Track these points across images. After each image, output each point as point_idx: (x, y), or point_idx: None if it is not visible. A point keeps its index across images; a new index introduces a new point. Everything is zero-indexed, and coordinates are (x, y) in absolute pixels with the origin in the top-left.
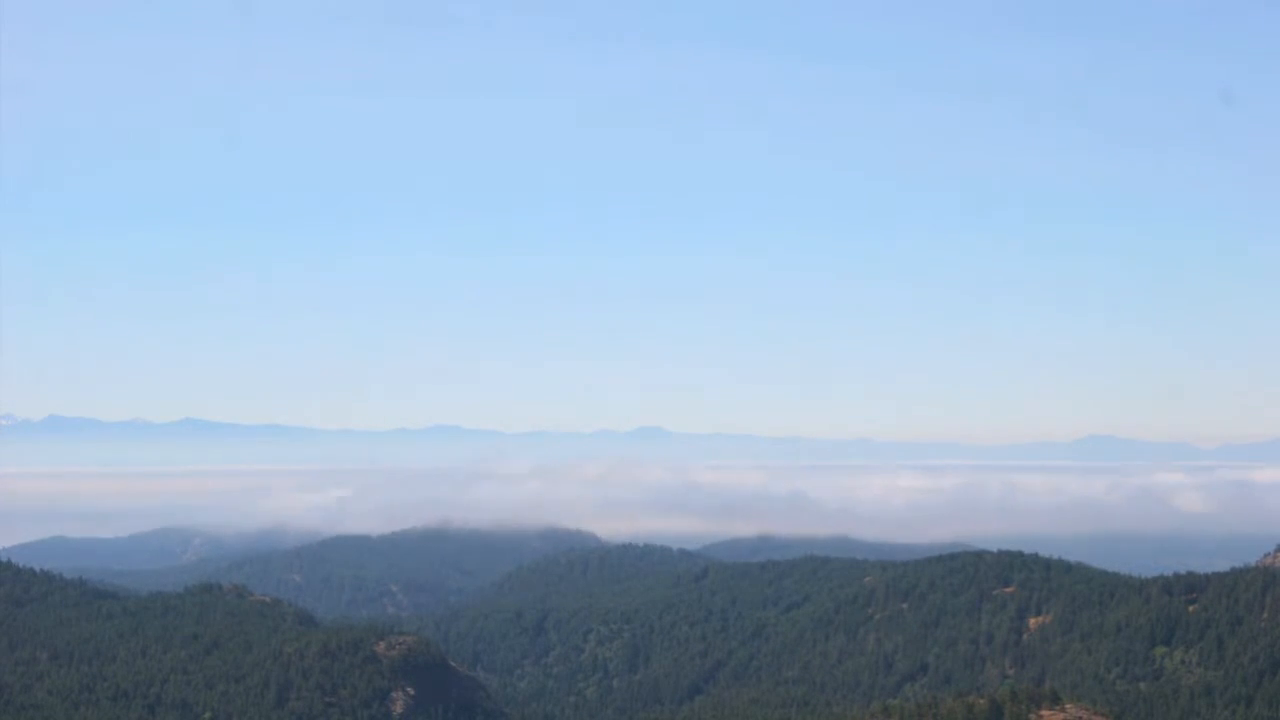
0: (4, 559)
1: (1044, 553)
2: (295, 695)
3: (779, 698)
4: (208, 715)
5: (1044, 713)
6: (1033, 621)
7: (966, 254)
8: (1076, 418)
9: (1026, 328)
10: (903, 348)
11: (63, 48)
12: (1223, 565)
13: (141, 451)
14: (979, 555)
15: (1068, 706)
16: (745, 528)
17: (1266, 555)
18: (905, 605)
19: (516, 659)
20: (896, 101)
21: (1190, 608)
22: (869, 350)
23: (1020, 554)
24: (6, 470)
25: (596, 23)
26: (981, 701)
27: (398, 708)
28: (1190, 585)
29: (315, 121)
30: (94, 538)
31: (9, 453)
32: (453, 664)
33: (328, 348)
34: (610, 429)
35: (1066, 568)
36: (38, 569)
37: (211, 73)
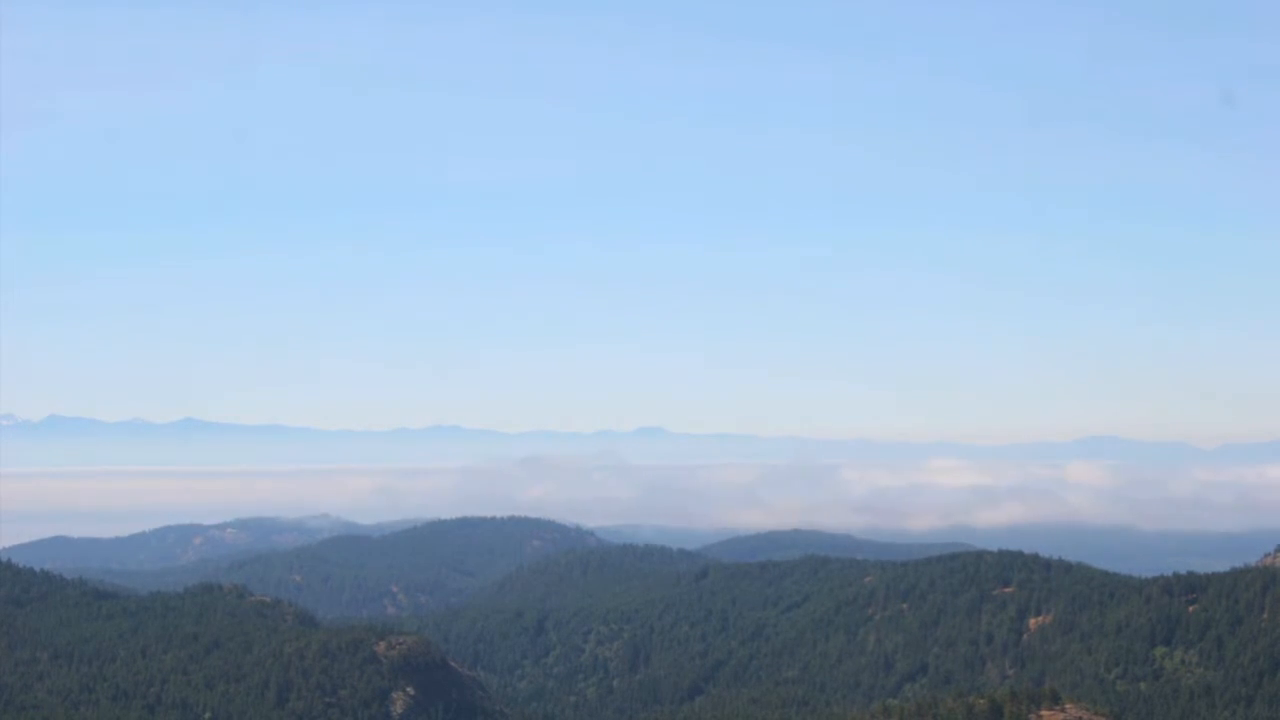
0: (4, 559)
1: (1044, 553)
2: (295, 695)
3: (779, 698)
4: (208, 715)
5: (1044, 713)
6: (1033, 622)
7: (966, 253)
8: (1077, 417)
9: (1027, 327)
10: (903, 347)
11: (64, 49)
12: (1223, 565)
13: (141, 451)
14: (979, 555)
15: (1068, 706)
16: (745, 527)
17: (1266, 555)
18: (905, 605)
19: (516, 659)
20: (898, 98)
21: (1190, 608)
22: (869, 350)
23: (1020, 554)
24: (6, 470)
25: (598, 17)
26: (981, 701)
27: (398, 708)
28: (1190, 585)
29: (323, 119)
30: (94, 538)
31: (9, 453)
32: (453, 664)
33: (328, 347)
34: (610, 429)
35: (1066, 568)
36: (38, 569)
37: (217, 66)
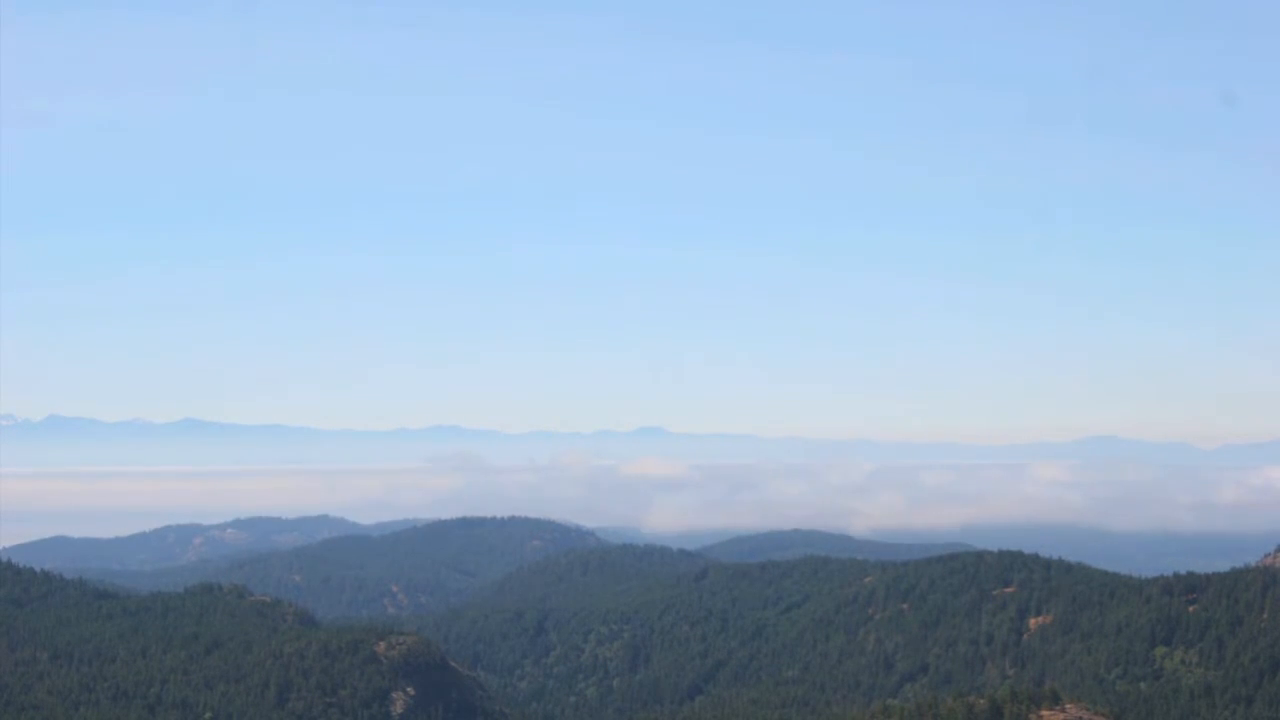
0: (4, 559)
1: (1044, 552)
2: (295, 695)
3: (779, 698)
4: (208, 715)
5: (1044, 713)
6: (1033, 622)
7: (967, 253)
8: (1076, 418)
9: (1027, 327)
10: (903, 347)
11: (65, 50)
12: (1223, 565)
13: (141, 451)
14: (979, 555)
15: (1068, 706)
16: (746, 527)
17: (1266, 555)
18: (905, 605)
19: (516, 659)
20: (901, 98)
21: (1190, 608)
22: (870, 349)
23: (1020, 554)
24: (6, 470)
25: (599, 18)
26: (981, 701)
27: (398, 708)
28: (1190, 585)
29: (322, 122)
30: (94, 538)
31: (9, 453)
32: (453, 664)
33: (328, 348)
34: (610, 429)
35: (1066, 568)
36: (38, 569)
37: (217, 68)
